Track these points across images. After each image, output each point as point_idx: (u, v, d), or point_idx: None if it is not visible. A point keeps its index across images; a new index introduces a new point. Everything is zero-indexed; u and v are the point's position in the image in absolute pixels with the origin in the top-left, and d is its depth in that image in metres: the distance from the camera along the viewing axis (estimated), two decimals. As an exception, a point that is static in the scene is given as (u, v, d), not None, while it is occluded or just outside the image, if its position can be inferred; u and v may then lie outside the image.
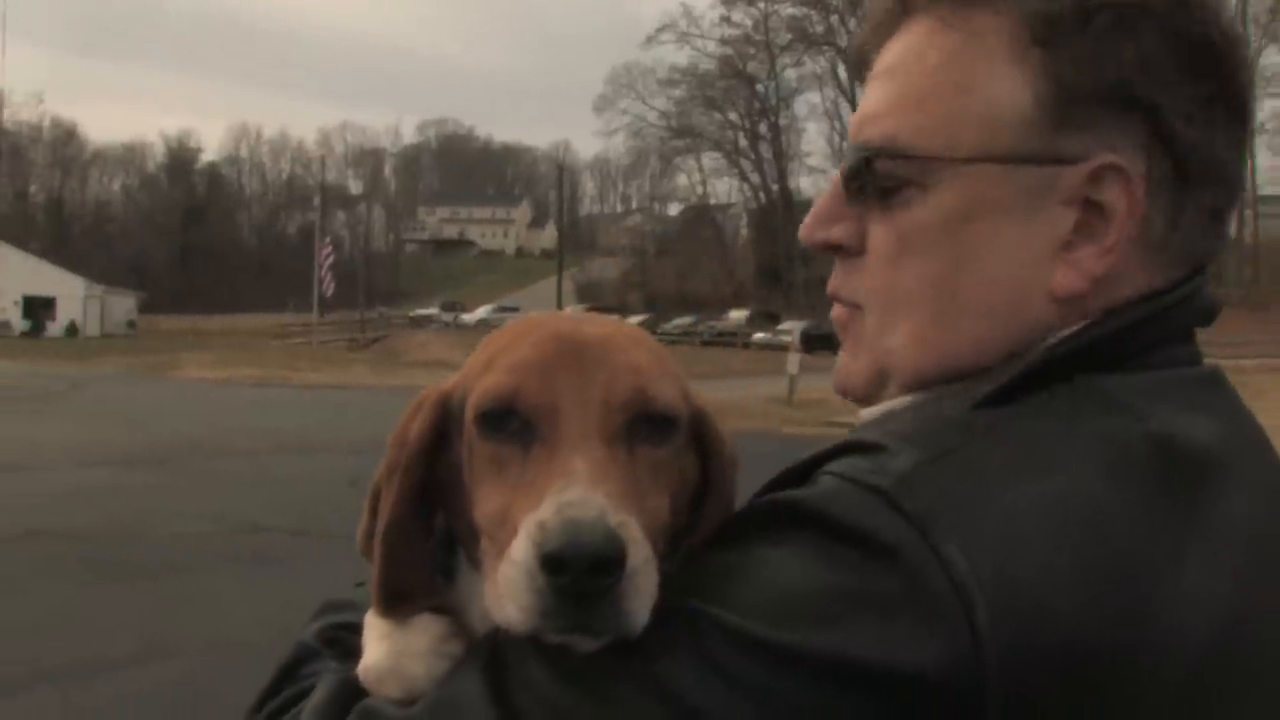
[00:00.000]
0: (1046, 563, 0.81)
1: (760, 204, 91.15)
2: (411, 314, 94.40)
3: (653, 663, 0.82)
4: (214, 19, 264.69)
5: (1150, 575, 0.84)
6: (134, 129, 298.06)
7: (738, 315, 69.62)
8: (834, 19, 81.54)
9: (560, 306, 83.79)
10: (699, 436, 0.99)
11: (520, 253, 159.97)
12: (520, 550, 0.82)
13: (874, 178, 1.02)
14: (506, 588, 0.83)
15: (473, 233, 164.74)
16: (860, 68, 1.11)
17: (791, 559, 0.84)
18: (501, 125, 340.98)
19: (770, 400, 25.51)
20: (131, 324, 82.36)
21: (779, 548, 0.85)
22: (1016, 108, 0.97)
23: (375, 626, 1.02)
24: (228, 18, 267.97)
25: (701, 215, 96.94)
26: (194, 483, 15.16)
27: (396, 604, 0.99)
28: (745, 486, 1.01)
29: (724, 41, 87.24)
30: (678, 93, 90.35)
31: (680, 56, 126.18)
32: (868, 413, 1.08)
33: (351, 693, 0.98)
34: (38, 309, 76.78)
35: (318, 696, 1.01)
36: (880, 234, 1.04)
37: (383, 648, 0.99)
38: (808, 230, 1.09)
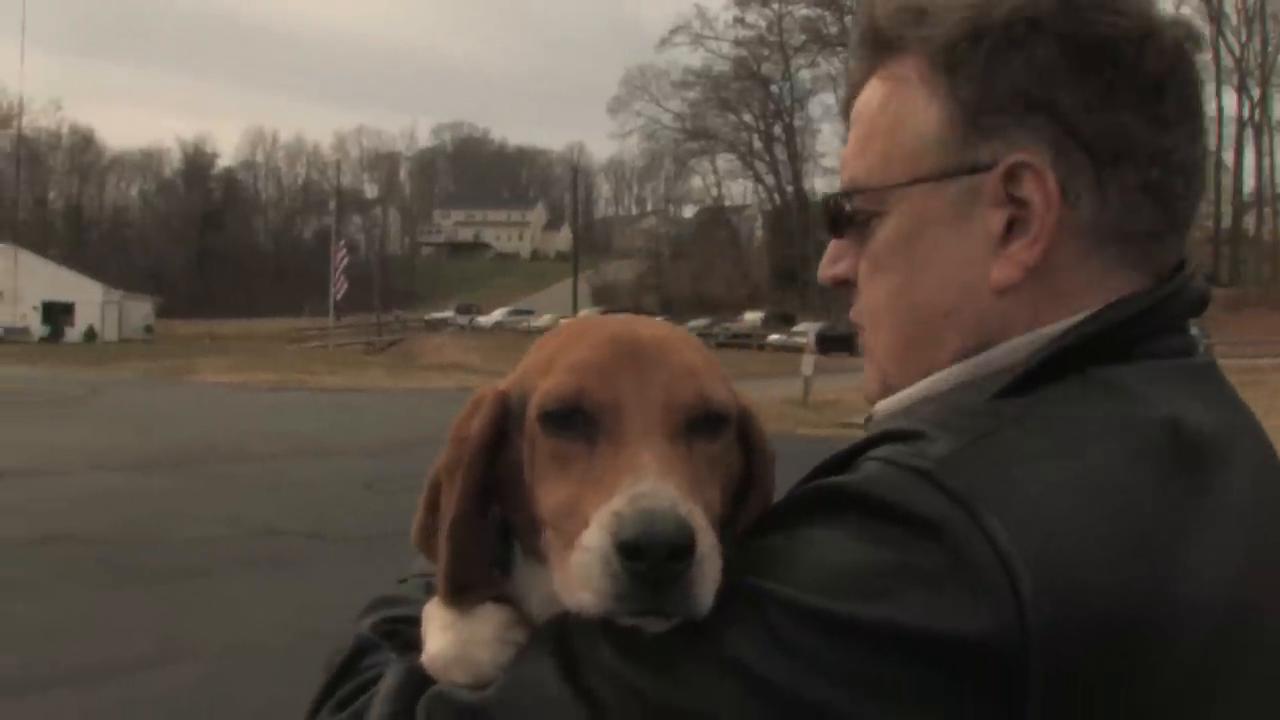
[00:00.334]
0: (1082, 538, 0.88)
1: (775, 205, 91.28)
2: (427, 317, 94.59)
3: (718, 639, 0.88)
4: (227, 23, 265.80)
5: (1171, 551, 0.91)
6: (150, 134, 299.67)
7: (753, 317, 69.64)
8: (848, 20, 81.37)
9: (575, 309, 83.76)
10: (744, 433, 1.05)
11: (535, 255, 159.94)
12: (595, 538, 0.88)
13: (847, 216, 1.16)
14: (580, 574, 0.88)
15: (488, 235, 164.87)
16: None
17: (841, 539, 0.90)
18: (516, 128, 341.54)
19: (785, 402, 25.45)
20: (149, 329, 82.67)
21: (828, 529, 0.91)
22: (933, 131, 1.09)
23: (437, 617, 1.06)
24: (241, 22, 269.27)
25: (716, 217, 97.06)
26: (210, 487, 15.21)
27: (460, 595, 1.03)
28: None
29: (738, 43, 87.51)
30: (692, 94, 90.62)
31: (694, 58, 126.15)
32: (883, 405, 1.17)
33: (419, 680, 1.03)
34: (57, 314, 77.22)
35: (387, 684, 1.05)
36: (861, 262, 1.17)
37: (448, 636, 1.03)
38: (822, 270, 1.23)
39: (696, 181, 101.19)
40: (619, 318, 1.07)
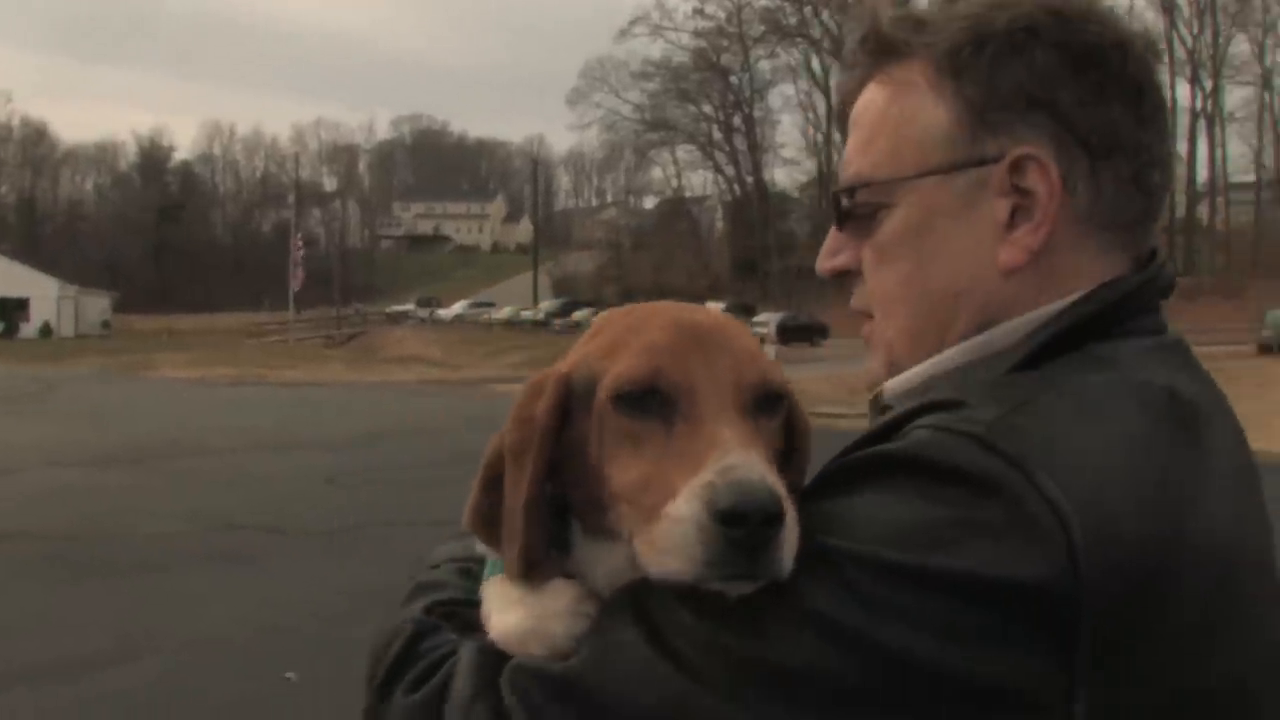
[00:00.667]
0: (1118, 492, 0.98)
1: (735, 196, 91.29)
2: (388, 310, 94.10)
3: (798, 596, 0.94)
4: (181, 16, 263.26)
5: (1187, 502, 1.02)
6: (104, 128, 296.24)
7: (714, 308, 69.32)
8: (807, 10, 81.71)
9: (536, 301, 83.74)
10: (789, 410, 1.13)
11: (496, 248, 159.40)
12: (687, 509, 0.93)
13: (853, 209, 1.25)
14: (670, 543, 0.94)
15: (448, 228, 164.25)
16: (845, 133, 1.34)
17: (904, 499, 0.98)
18: (475, 120, 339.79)
19: (747, 392, 25.48)
20: (106, 324, 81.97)
21: (889, 491, 0.99)
22: (941, 128, 1.19)
23: (503, 595, 1.10)
24: (196, 15, 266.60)
25: (677, 208, 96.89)
26: (169, 482, 15.15)
27: (530, 572, 1.08)
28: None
29: (697, 34, 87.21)
30: (651, 86, 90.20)
31: (653, 49, 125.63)
32: (892, 385, 1.25)
33: (495, 656, 1.06)
34: (11, 310, 76.44)
35: (464, 662, 1.07)
36: (867, 253, 1.25)
37: (520, 612, 1.07)
38: (820, 262, 1.31)
39: (656, 173, 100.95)
40: (669, 304, 1.14)
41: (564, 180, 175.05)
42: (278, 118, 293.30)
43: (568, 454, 1.08)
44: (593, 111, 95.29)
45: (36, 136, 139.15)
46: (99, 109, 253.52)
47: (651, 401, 1.02)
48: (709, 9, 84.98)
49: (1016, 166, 1.15)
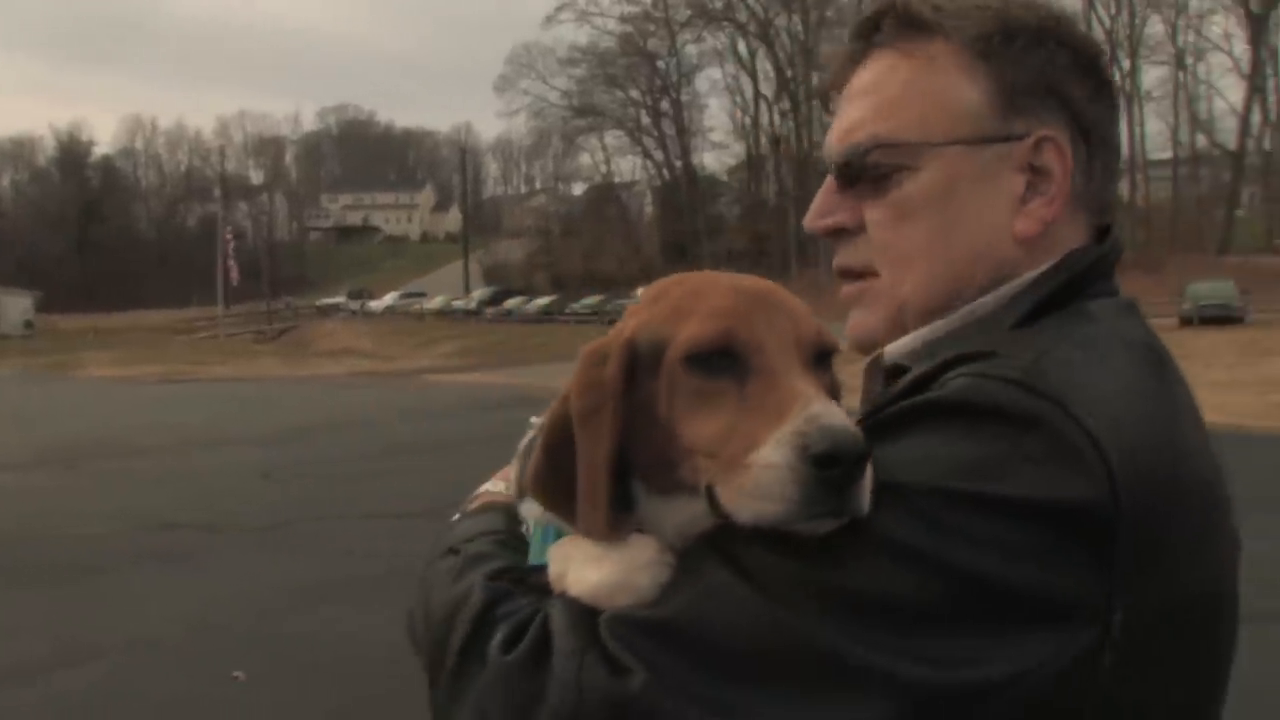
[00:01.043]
0: (1136, 423, 1.12)
1: (664, 181, 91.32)
2: (318, 303, 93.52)
3: (874, 528, 1.04)
4: (97, 7, 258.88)
5: (1182, 433, 1.18)
6: (19, 123, 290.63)
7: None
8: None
9: (467, 290, 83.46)
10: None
11: (425, 238, 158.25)
12: (779, 455, 1.01)
13: (869, 168, 1.33)
14: (762, 487, 1.02)
15: (377, 219, 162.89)
16: (825, 102, 1.44)
17: (956, 438, 1.09)
18: (402, 109, 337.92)
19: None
20: (29, 324, 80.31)
21: (941, 433, 1.10)
22: (973, 104, 1.30)
23: (584, 553, 1.15)
24: (112, 6, 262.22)
25: (606, 194, 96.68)
26: (100, 483, 15.06)
27: (611, 530, 1.13)
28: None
29: (624, 19, 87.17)
30: (579, 72, 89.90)
31: (580, 35, 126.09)
32: (894, 348, 1.35)
33: (586, 610, 1.11)
34: (-72, 313, 74.86)
35: (559, 618, 1.11)
36: (878, 211, 1.34)
37: (606, 567, 1.12)
38: (811, 220, 1.39)
39: (585, 159, 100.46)
40: (717, 273, 1.22)
41: (492, 168, 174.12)
42: (201, 111, 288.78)
43: (634, 415, 1.14)
44: (520, 99, 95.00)
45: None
46: (13, 103, 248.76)
47: (723, 361, 1.10)
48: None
49: (1037, 146, 1.30)
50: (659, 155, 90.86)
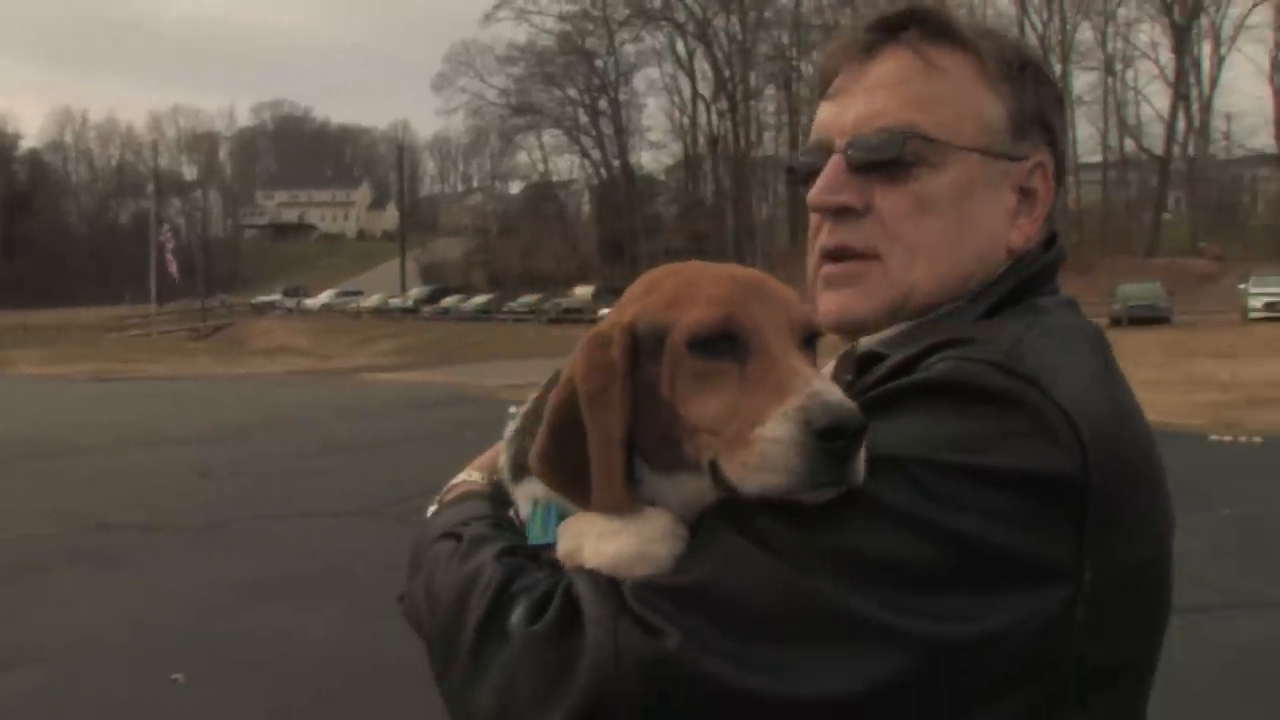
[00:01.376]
0: (1098, 403, 1.23)
1: (602, 180, 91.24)
2: (253, 301, 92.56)
3: (873, 496, 1.12)
4: None
5: (1132, 411, 1.32)
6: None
7: (583, 292, 69.24)
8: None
9: (404, 289, 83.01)
10: None
11: (362, 235, 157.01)
12: (782, 429, 1.09)
13: (902, 156, 1.40)
14: (768, 459, 1.10)
15: (313, 216, 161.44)
16: (825, 82, 1.51)
17: (947, 415, 1.18)
18: (339, 106, 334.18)
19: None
20: (-45, 321, 79.06)
21: (930, 411, 1.19)
22: (998, 119, 1.42)
23: (595, 527, 1.20)
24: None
25: (543, 193, 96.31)
26: (33, 483, 14.85)
27: (628, 503, 1.20)
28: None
29: (562, 18, 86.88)
30: (517, 70, 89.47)
31: (519, 34, 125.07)
32: (867, 341, 1.44)
33: (607, 580, 1.17)
34: None
35: (584, 588, 1.16)
36: (894, 198, 1.41)
37: (621, 539, 1.18)
38: (820, 195, 1.44)
39: (523, 157, 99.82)
40: (707, 263, 1.29)
41: (430, 166, 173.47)
42: (133, 105, 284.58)
43: (636, 396, 1.21)
44: (458, 96, 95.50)
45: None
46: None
47: (724, 344, 1.17)
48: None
49: (1032, 169, 1.45)
50: (597, 154, 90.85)
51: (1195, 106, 74.24)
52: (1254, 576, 8.62)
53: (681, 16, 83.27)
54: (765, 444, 1.10)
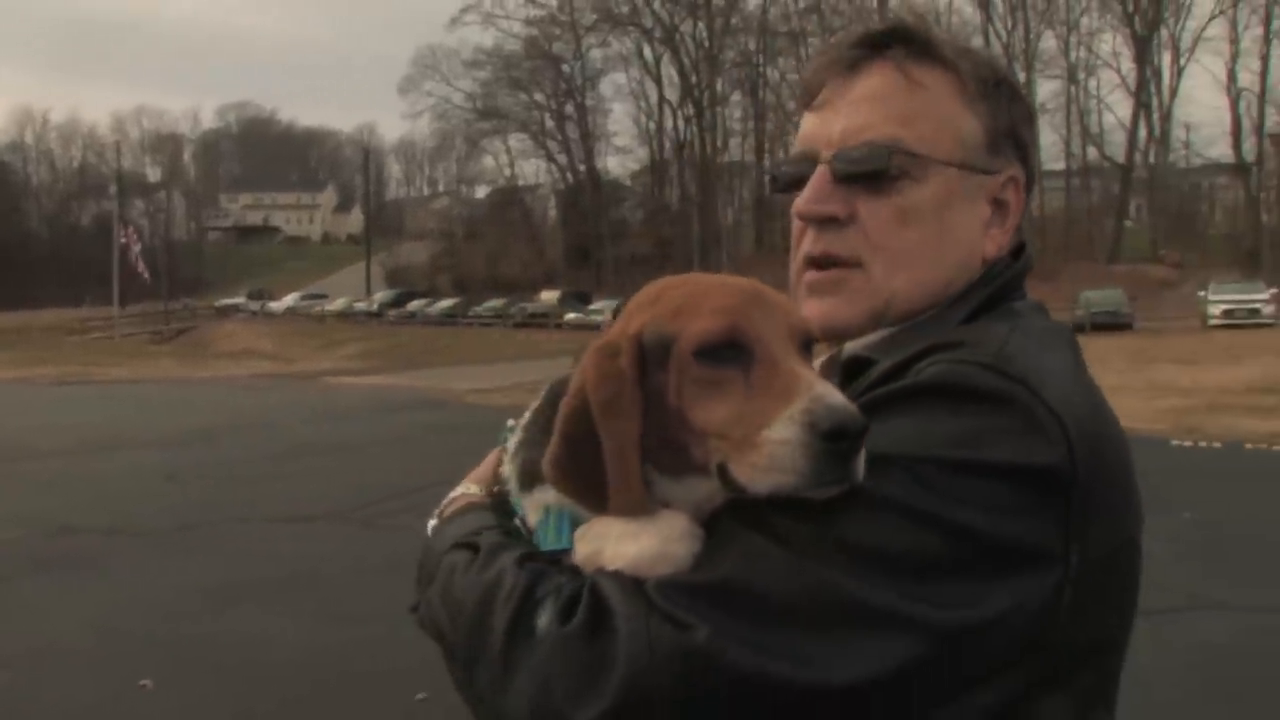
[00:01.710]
0: (1079, 401, 1.30)
1: (568, 184, 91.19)
2: (217, 304, 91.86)
3: (874, 492, 1.17)
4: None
5: (1103, 405, 1.37)
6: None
7: (549, 296, 69.30)
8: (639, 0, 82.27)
9: (369, 292, 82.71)
10: None
11: (327, 239, 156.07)
12: (789, 431, 1.14)
13: (885, 168, 1.45)
14: (776, 460, 1.15)
15: (277, 219, 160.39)
16: (809, 94, 1.55)
17: (942, 415, 1.24)
18: (304, 109, 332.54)
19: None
20: (-87, 323, 78.18)
21: (926, 411, 1.25)
22: (975, 135, 1.48)
23: (614, 531, 1.24)
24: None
25: (509, 197, 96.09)
26: (-5, 487, 14.72)
27: (646, 505, 1.24)
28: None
29: (529, 22, 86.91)
30: (483, 74, 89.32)
31: (485, 38, 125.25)
32: (853, 346, 1.50)
33: (631, 579, 1.20)
34: None
35: (610, 589, 1.20)
36: (876, 209, 1.46)
37: (641, 540, 1.22)
38: (806, 205, 1.49)
39: (489, 161, 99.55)
40: (709, 275, 1.33)
41: (395, 169, 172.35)
42: (95, 105, 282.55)
43: (645, 403, 1.25)
44: (424, 100, 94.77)
45: None
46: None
47: (729, 352, 1.21)
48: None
49: (1005, 183, 1.51)
50: (563, 159, 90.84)
51: (1156, 115, 75.20)
52: (1216, 579, 8.72)
53: (649, 22, 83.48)
54: (773, 446, 1.15)
